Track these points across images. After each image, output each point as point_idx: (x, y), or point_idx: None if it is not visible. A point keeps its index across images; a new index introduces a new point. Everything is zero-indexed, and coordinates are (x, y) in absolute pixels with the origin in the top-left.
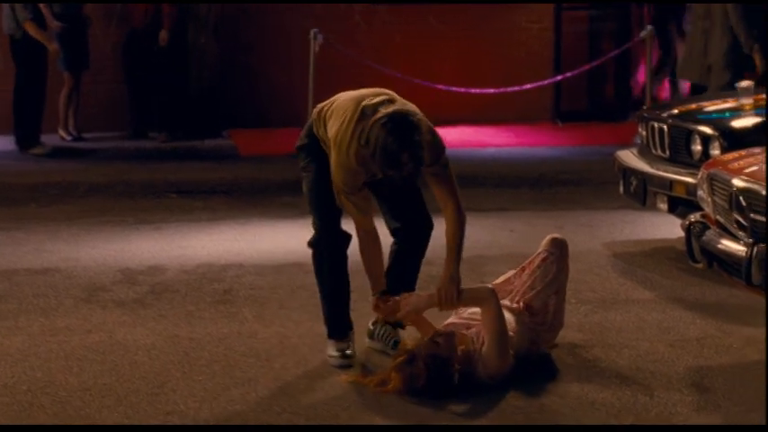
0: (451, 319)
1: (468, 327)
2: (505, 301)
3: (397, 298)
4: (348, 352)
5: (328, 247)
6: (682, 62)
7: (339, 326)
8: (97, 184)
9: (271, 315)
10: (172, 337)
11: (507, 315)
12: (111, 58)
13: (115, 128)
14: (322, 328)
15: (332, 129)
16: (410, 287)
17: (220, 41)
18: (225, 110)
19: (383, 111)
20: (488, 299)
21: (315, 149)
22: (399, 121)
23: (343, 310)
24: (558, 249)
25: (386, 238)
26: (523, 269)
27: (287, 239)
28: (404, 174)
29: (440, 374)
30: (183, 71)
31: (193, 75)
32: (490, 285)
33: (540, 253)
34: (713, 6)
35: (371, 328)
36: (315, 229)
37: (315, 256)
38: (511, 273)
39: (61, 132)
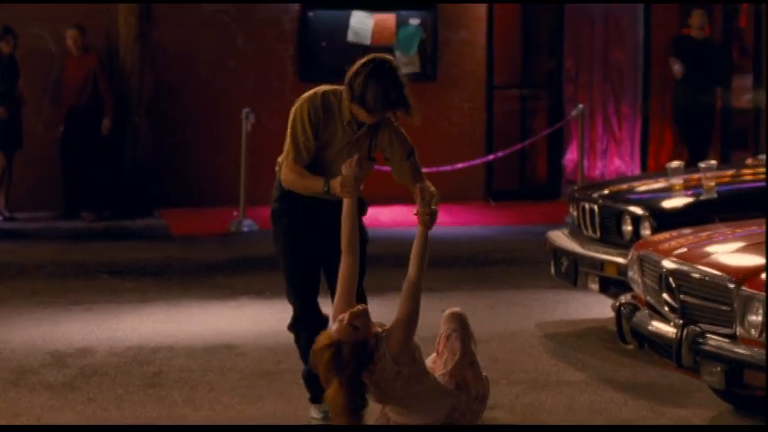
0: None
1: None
2: None
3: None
4: (326, 410)
5: (306, 329)
6: None
7: (319, 391)
8: (28, 264)
9: (200, 398)
10: (101, 422)
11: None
12: (44, 137)
13: (47, 207)
14: (252, 411)
15: None
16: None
17: (153, 120)
18: (157, 189)
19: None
20: (418, 278)
21: (288, 210)
22: (380, 64)
23: None
24: (459, 324)
25: None
26: (438, 353)
27: (218, 321)
28: (394, 110)
29: (363, 357)
30: (115, 150)
31: (127, 154)
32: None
33: (443, 333)
34: None
35: None
36: (293, 310)
37: (296, 338)
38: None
39: None
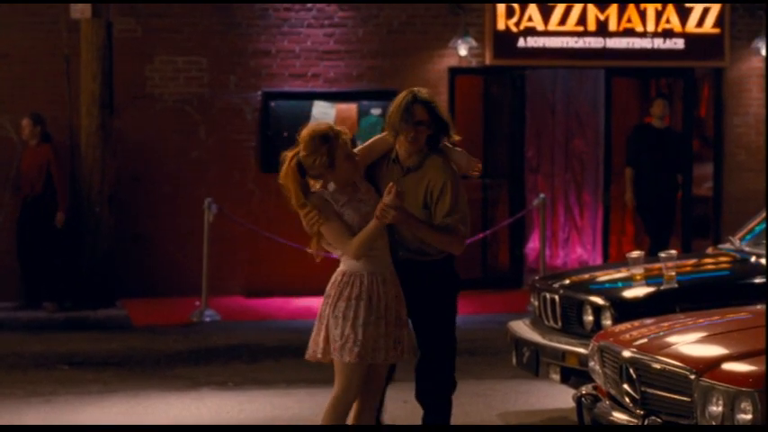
0: None
1: None
2: None
3: None
4: None
5: None
6: None
7: None
8: None
9: None
10: None
11: None
12: (4, 226)
13: (8, 298)
14: None
15: None
16: None
17: (115, 210)
18: (119, 279)
19: None
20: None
21: None
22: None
23: None
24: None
25: None
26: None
27: (179, 412)
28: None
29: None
30: (76, 240)
31: (88, 244)
32: None
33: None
34: None
35: None
36: None
37: None
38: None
39: None
